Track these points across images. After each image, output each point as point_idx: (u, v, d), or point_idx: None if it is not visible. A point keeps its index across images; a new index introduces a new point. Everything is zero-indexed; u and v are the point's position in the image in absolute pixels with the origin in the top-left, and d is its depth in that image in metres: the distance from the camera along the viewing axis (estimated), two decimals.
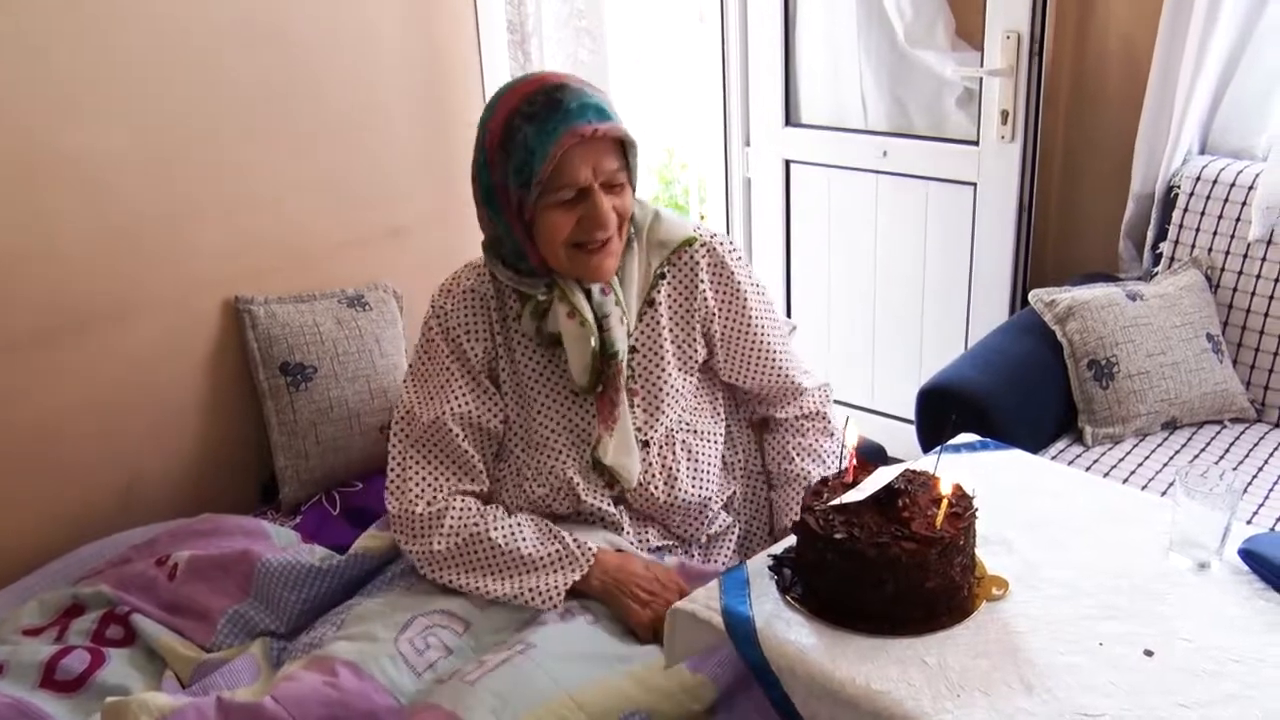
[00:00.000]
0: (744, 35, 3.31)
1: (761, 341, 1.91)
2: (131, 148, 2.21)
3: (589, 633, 1.66)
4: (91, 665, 1.76)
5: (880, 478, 1.43)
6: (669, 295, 1.86)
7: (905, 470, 1.46)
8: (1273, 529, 2.09)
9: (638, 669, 1.58)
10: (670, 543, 1.90)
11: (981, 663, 1.30)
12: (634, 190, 1.76)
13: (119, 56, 2.17)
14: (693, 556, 1.91)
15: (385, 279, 2.64)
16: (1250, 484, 2.26)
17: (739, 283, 1.89)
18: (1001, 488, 1.66)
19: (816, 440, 1.98)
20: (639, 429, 1.83)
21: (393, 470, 1.82)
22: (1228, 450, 2.39)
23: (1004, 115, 2.83)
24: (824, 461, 1.96)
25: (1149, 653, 1.31)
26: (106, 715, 1.57)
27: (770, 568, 1.47)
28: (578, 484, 1.82)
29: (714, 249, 1.87)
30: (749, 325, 1.90)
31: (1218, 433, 2.47)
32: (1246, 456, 2.36)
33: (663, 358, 1.84)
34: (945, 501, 1.38)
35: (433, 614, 1.69)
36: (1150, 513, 1.60)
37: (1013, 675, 1.28)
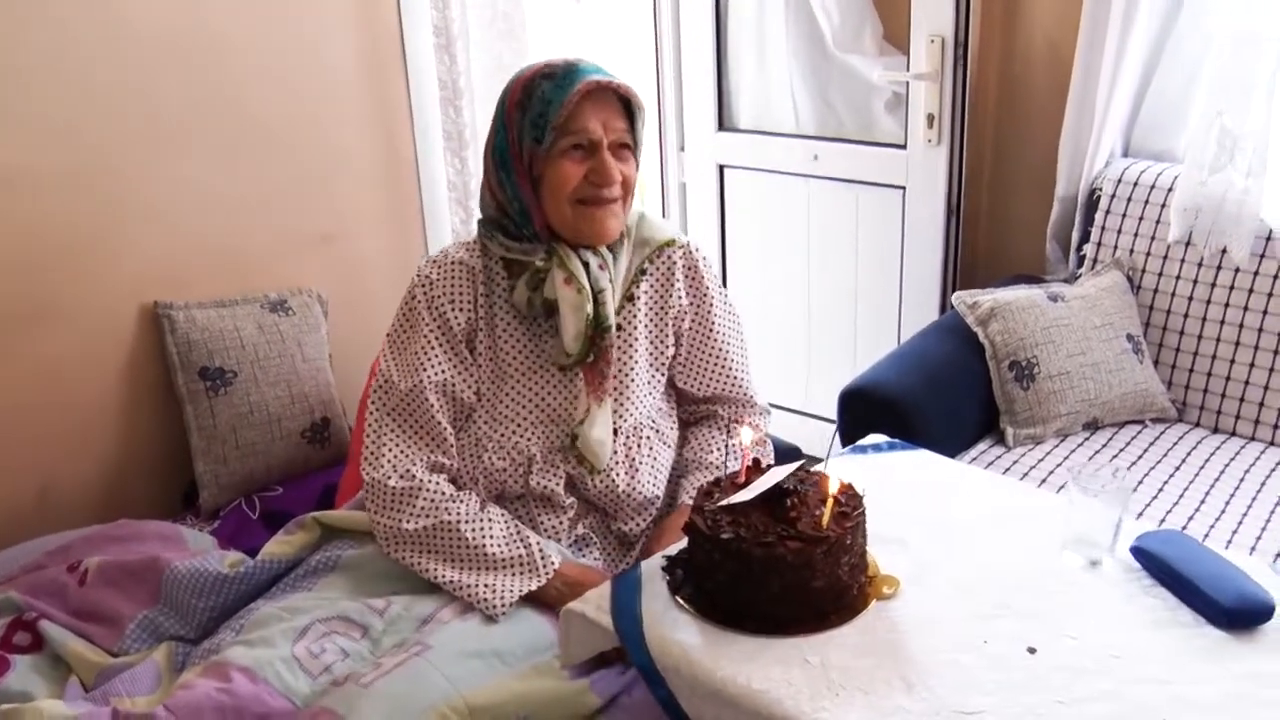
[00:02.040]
0: (677, 41, 3.31)
1: (722, 349, 1.98)
2: (50, 154, 2.18)
3: (485, 631, 1.66)
4: None
5: (771, 478, 1.44)
6: (648, 292, 1.91)
7: (797, 470, 1.47)
8: (1183, 528, 2.11)
9: (534, 668, 1.59)
10: (594, 536, 1.90)
11: (865, 661, 1.31)
12: (638, 161, 1.84)
13: (36, 62, 2.14)
14: (611, 556, 1.91)
15: (312, 285, 2.63)
16: (1167, 483, 2.28)
17: (708, 288, 1.97)
18: (902, 487, 1.68)
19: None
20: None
21: (368, 437, 1.84)
22: (1147, 450, 2.41)
23: (930, 119, 2.85)
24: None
25: (1032, 650, 1.33)
26: None
27: (663, 568, 1.47)
28: (536, 461, 1.84)
29: (690, 253, 1.96)
30: (712, 330, 1.97)
31: (1138, 432, 2.49)
32: (1165, 456, 2.38)
33: (636, 351, 1.89)
34: (832, 501, 1.39)
35: (331, 620, 1.69)
36: (1048, 512, 1.61)
37: (894, 674, 1.29)
